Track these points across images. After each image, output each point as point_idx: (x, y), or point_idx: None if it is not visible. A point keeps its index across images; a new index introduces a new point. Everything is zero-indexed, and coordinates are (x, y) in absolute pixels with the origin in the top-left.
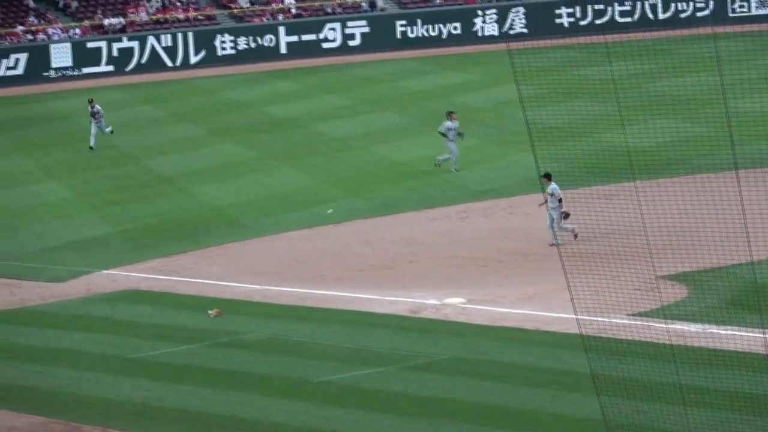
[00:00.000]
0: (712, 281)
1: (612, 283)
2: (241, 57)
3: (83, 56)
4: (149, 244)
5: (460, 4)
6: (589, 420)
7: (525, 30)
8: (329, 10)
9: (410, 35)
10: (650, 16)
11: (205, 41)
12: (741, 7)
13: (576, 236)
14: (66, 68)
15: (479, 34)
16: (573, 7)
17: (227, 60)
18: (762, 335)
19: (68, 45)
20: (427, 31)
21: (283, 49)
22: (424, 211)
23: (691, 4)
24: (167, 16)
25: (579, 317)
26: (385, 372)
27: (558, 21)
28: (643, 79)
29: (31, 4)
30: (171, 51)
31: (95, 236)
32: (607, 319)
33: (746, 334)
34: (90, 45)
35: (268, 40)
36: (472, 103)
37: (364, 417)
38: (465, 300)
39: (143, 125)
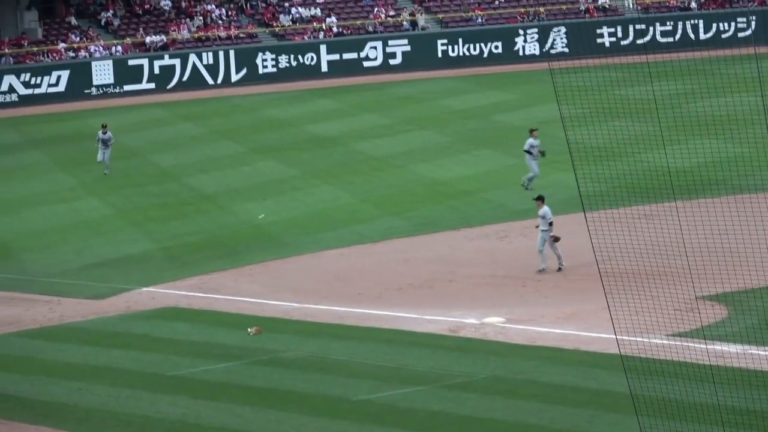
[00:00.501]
0: (751, 302)
1: (651, 303)
2: (282, 75)
3: (125, 74)
4: (189, 262)
5: (501, 23)
6: None
7: (566, 49)
8: (370, 28)
9: (451, 54)
10: (691, 36)
11: (246, 59)
12: None
13: (560, 269)
14: (107, 86)
15: (520, 53)
16: (614, 27)
17: (268, 78)
18: None
19: (110, 62)
20: (468, 50)
21: (324, 68)
22: (463, 230)
23: (733, 24)
24: (209, 34)
25: (618, 337)
26: (424, 391)
27: (599, 41)
28: (684, 99)
29: (74, 21)
30: (212, 69)
31: (135, 253)
32: (646, 340)
33: None
34: (131, 62)
35: (309, 58)
36: (513, 122)
37: None
38: (504, 319)
39: (184, 143)
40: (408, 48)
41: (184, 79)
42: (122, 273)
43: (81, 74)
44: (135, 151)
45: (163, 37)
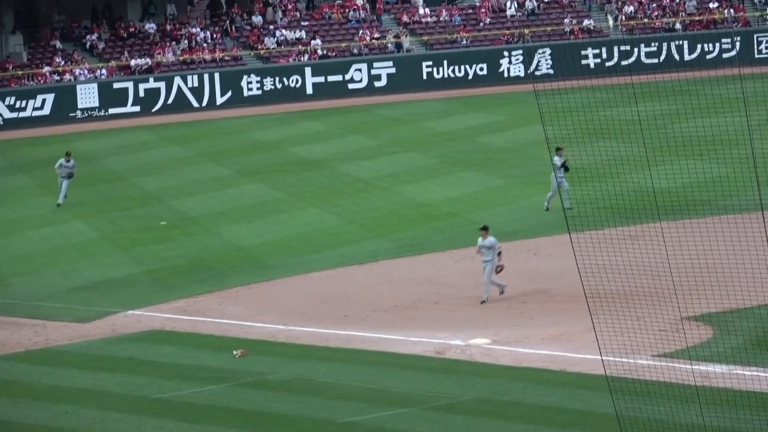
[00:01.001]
0: (737, 322)
1: (637, 323)
2: (267, 98)
3: (110, 97)
4: (174, 285)
5: (486, 45)
6: None
7: (551, 71)
8: (355, 51)
9: (436, 76)
10: (676, 57)
11: (231, 82)
12: None
13: (502, 292)
14: (92, 109)
15: (505, 75)
16: (599, 49)
17: (253, 101)
18: None
19: (95, 86)
20: (453, 72)
21: (309, 90)
22: (449, 252)
23: (717, 45)
24: (194, 56)
25: (604, 358)
26: (410, 413)
27: (584, 62)
28: (669, 119)
29: (59, 44)
30: (197, 91)
31: (121, 276)
32: (632, 360)
33: None
34: (116, 85)
35: (294, 80)
36: (498, 144)
37: None
38: (490, 341)
39: (169, 166)
40: (393, 70)
41: (169, 101)
42: (108, 296)
43: (66, 97)
44: (120, 175)
45: (148, 60)
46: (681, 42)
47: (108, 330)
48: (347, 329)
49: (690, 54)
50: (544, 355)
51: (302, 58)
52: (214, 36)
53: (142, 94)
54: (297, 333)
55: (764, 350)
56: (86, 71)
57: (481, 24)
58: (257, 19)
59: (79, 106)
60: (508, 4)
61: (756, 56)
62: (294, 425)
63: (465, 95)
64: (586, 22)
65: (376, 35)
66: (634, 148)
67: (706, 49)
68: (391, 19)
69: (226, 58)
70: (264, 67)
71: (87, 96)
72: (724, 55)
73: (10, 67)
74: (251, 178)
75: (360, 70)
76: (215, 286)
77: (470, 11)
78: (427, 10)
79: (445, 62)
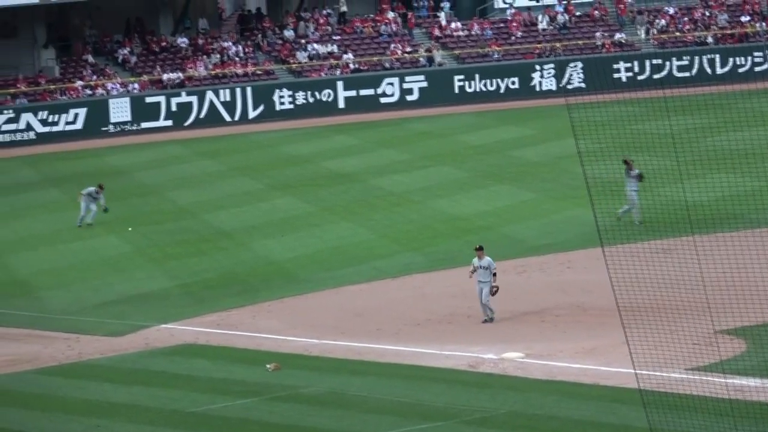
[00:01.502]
0: None
1: (670, 337)
2: (299, 112)
3: (142, 111)
4: (207, 299)
5: (517, 59)
6: None
7: (583, 84)
8: (387, 65)
9: (468, 90)
10: (708, 70)
11: (263, 96)
12: None
13: (491, 320)
14: (125, 123)
15: (537, 88)
16: (631, 62)
17: (285, 114)
18: None
19: (127, 100)
20: (485, 85)
21: (341, 104)
22: None
23: (749, 58)
24: (226, 71)
25: (637, 372)
26: (443, 427)
27: (616, 75)
28: (702, 133)
29: (91, 59)
30: (229, 106)
31: (153, 290)
32: (665, 374)
33: None
34: (149, 100)
35: (326, 94)
36: (530, 158)
37: None
38: (523, 354)
39: (201, 180)
40: (425, 84)
41: (202, 116)
42: (140, 310)
43: (98, 112)
44: (152, 189)
45: (180, 74)
46: (713, 56)
47: (141, 344)
48: (380, 343)
49: (722, 67)
50: (578, 368)
51: (334, 72)
52: (246, 50)
53: (174, 108)
54: (330, 347)
55: None
56: (118, 85)
57: (513, 38)
58: (289, 33)
59: (112, 120)
60: (540, 17)
61: None
62: None
63: (497, 109)
64: (617, 35)
65: (408, 49)
66: (667, 161)
67: (738, 63)
68: (422, 33)
69: (258, 72)
70: (296, 81)
71: (119, 110)
72: (756, 69)
73: (43, 82)
74: (283, 192)
75: (392, 84)
76: (248, 299)
77: (502, 25)
78: (458, 24)
79: (477, 76)
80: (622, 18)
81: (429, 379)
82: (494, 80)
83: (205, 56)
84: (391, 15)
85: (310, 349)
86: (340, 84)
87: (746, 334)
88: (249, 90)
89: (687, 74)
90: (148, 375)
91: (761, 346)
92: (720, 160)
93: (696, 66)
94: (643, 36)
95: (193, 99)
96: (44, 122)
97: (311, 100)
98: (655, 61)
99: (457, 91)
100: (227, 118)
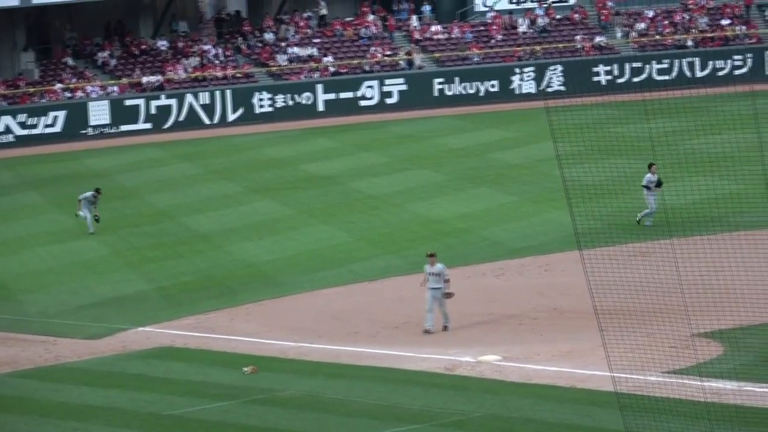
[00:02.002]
0: (747, 339)
1: (647, 340)
2: (278, 115)
3: (121, 114)
4: (185, 301)
5: (497, 62)
6: None
7: (562, 87)
8: (367, 68)
9: (448, 93)
10: (688, 74)
11: (242, 99)
12: None
13: (446, 328)
14: (104, 126)
15: (517, 91)
16: (610, 65)
17: (265, 118)
18: None
19: (106, 103)
20: (465, 88)
21: (320, 107)
22: (460, 268)
23: (729, 62)
24: (205, 74)
25: (614, 375)
26: (420, 429)
27: (596, 79)
28: (681, 136)
29: (70, 62)
30: (209, 109)
31: (131, 293)
32: (642, 377)
33: None
34: (128, 103)
35: (305, 97)
36: (509, 161)
37: None
38: (500, 357)
39: (180, 183)
40: (404, 87)
41: (181, 119)
42: (118, 313)
43: (77, 115)
44: (131, 191)
45: (160, 77)
46: (692, 59)
47: (118, 347)
48: (358, 346)
49: (702, 71)
50: (554, 371)
51: (314, 75)
52: (226, 53)
53: (153, 111)
54: (307, 350)
55: None
56: (98, 88)
57: (493, 41)
58: (269, 36)
59: (91, 123)
60: (520, 21)
61: (767, 73)
62: None
63: (476, 112)
64: (597, 39)
65: (388, 52)
66: (646, 164)
67: (718, 66)
68: (402, 36)
69: (238, 75)
70: (275, 84)
71: (98, 113)
72: (736, 72)
73: (22, 84)
74: (262, 195)
75: (371, 87)
76: (226, 302)
77: (482, 28)
78: (438, 26)
79: (457, 79)
80: (604, 23)
81: (406, 382)
82: (474, 83)
83: (184, 59)
84: (371, 18)
85: (288, 352)
86: (319, 87)
87: (723, 337)
88: (228, 93)
89: (666, 77)
90: (126, 378)
91: (738, 350)
92: (699, 163)
93: (676, 69)
94: (619, 36)
95: (173, 102)
96: (23, 125)
97: (291, 103)
98: (634, 65)
99: (436, 94)
100: (206, 121)
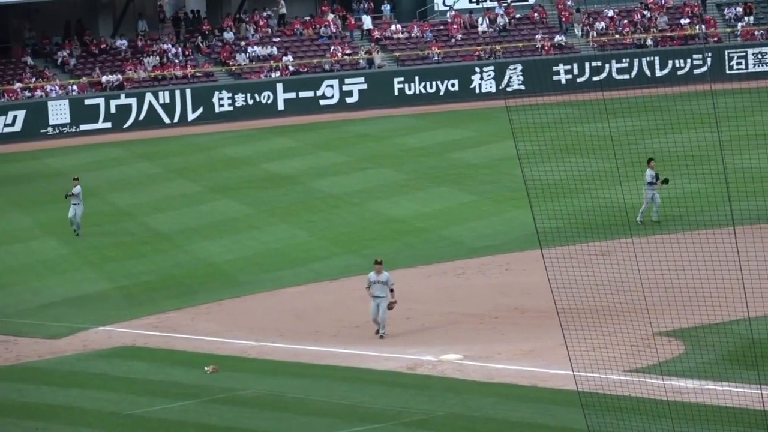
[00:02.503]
0: (708, 337)
1: (608, 339)
2: (238, 114)
3: (81, 113)
4: (145, 301)
5: (457, 61)
6: None
7: (522, 87)
8: (327, 67)
9: (408, 92)
10: (648, 73)
11: (202, 98)
12: (738, 64)
13: (382, 336)
14: (64, 125)
15: (477, 90)
16: (570, 65)
17: (225, 117)
18: (759, 391)
19: (66, 102)
20: (425, 87)
21: (280, 106)
22: (421, 268)
23: (689, 61)
24: (165, 73)
25: (575, 373)
26: (382, 429)
27: (556, 78)
28: (641, 135)
29: (30, 61)
30: (169, 108)
31: (92, 293)
32: (603, 376)
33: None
34: (88, 102)
35: (265, 97)
36: (469, 160)
37: None
38: (461, 356)
39: (140, 182)
40: (364, 86)
41: (141, 118)
42: (79, 312)
43: (37, 114)
44: (91, 191)
45: (119, 76)
46: (652, 58)
47: (79, 346)
48: (319, 345)
49: (661, 70)
50: (516, 370)
51: (274, 75)
52: (186, 52)
53: (113, 110)
54: (269, 349)
55: (735, 365)
56: (57, 88)
57: (453, 40)
58: (229, 36)
59: (51, 122)
60: (480, 20)
61: (727, 72)
62: None
63: (437, 111)
64: (557, 38)
65: (348, 51)
66: (606, 163)
67: (678, 65)
68: (362, 36)
69: (198, 74)
70: (235, 83)
71: (58, 112)
72: (696, 71)
73: None
74: (223, 195)
75: (331, 86)
76: (187, 302)
77: (442, 27)
78: (398, 26)
79: (417, 78)
80: (566, 25)
81: (368, 381)
82: (434, 82)
83: (144, 58)
84: (330, 17)
85: (249, 351)
86: (279, 86)
87: (684, 336)
88: (188, 92)
89: (626, 76)
90: (87, 377)
91: (699, 348)
92: (659, 162)
93: (635, 68)
94: (579, 33)
95: (132, 101)
96: None
97: (251, 102)
98: (594, 64)
99: (396, 93)
100: (166, 120)
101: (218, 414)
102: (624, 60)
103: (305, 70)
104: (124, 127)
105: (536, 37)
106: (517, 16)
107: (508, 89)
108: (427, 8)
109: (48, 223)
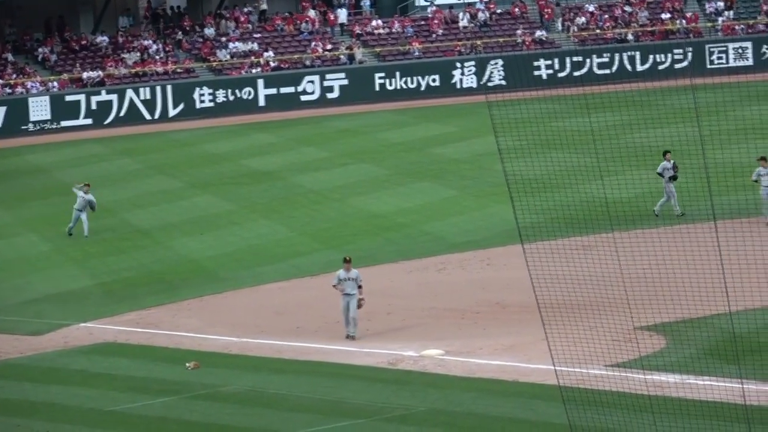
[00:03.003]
0: (689, 332)
1: (590, 333)
2: (219, 110)
3: (62, 109)
4: (127, 297)
5: (438, 57)
6: None
7: (503, 82)
8: (308, 62)
9: (389, 87)
10: (628, 67)
11: (183, 94)
12: (719, 58)
13: (351, 336)
14: (44, 121)
15: (458, 86)
16: (551, 60)
17: (206, 113)
18: (739, 385)
19: (47, 98)
20: (406, 83)
21: (261, 102)
22: (402, 263)
23: (670, 55)
24: (146, 69)
25: (557, 368)
26: (363, 424)
27: (537, 73)
28: (622, 130)
29: (10, 57)
30: (149, 104)
31: (73, 289)
32: (585, 370)
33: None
34: (68, 98)
35: (246, 92)
36: (451, 155)
37: None
38: (443, 351)
39: (121, 178)
40: (345, 81)
41: (122, 114)
42: (60, 309)
43: (18, 110)
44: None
45: (100, 72)
46: (633, 53)
47: (60, 343)
48: (300, 341)
49: (642, 65)
50: (497, 365)
51: (254, 70)
52: (166, 48)
53: (94, 106)
54: (250, 345)
55: (716, 360)
56: (38, 84)
57: (434, 35)
58: (209, 32)
59: (31, 118)
60: (461, 15)
61: (708, 66)
62: None
63: (418, 106)
64: (538, 33)
65: (329, 47)
66: (587, 158)
67: (659, 60)
68: (342, 31)
69: (179, 70)
70: (216, 79)
71: (39, 109)
72: (677, 66)
73: None
74: (203, 190)
75: (312, 81)
76: (168, 298)
77: (422, 23)
78: (379, 21)
79: (398, 74)
80: (547, 22)
81: (349, 377)
82: (415, 78)
83: (125, 54)
84: (311, 13)
85: (230, 348)
86: (260, 82)
87: (665, 330)
88: (169, 88)
89: (607, 71)
90: (68, 374)
91: (680, 342)
92: (640, 156)
93: (616, 63)
94: (560, 27)
95: (113, 97)
96: None
97: (231, 98)
98: (575, 59)
99: (377, 88)
100: (147, 116)
101: (200, 410)
102: (605, 55)
103: (286, 65)
104: (105, 123)
105: (517, 32)
106: (498, 11)
107: (489, 84)
108: (407, 3)
109: (29, 220)
